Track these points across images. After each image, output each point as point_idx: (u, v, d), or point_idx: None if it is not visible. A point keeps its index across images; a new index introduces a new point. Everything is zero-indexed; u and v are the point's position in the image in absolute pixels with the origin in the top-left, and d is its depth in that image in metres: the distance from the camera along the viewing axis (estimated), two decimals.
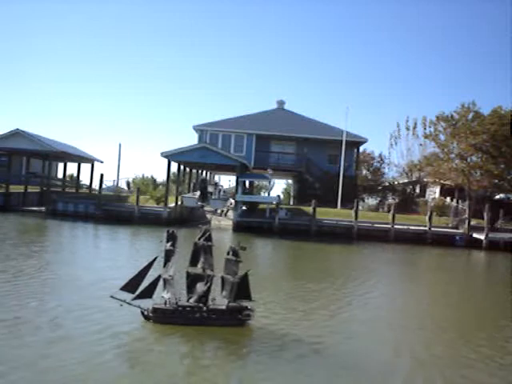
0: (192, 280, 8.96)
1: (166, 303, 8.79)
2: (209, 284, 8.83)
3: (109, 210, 31.19)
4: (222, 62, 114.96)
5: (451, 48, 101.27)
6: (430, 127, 40.41)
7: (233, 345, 8.10)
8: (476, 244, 28.05)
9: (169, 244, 8.91)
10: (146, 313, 8.75)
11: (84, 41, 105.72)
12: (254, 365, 7.35)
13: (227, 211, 36.09)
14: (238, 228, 29.09)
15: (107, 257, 17.25)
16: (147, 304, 8.78)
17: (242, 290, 8.80)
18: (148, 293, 8.62)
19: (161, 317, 8.67)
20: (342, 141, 37.43)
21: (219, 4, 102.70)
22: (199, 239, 9.09)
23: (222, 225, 32.31)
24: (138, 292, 8.58)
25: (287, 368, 7.20)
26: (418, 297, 14.02)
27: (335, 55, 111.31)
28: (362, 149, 43.78)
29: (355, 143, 40.37)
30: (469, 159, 35.51)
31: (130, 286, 8.57)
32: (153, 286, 8.71)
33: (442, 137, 37.35)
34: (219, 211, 36.15)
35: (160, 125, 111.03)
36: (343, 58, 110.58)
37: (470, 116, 35.40)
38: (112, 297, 8.60)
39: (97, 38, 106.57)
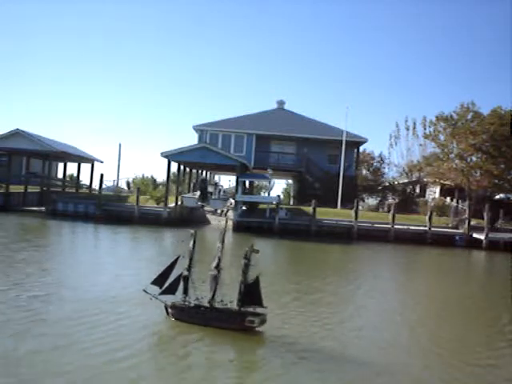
0: (210, 281, 9.11)
1: (184, 301, 9.05)
2: (214, 285, 8.91)
3: (109, 210, 31.15)
4: (222, 62, 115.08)
5: (451, 48, 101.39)
6: (429, 127, 40.53)
7: (238, 349, 8.05)
8: (476, 244, 28.04)
9: (191, 244, 9.14)
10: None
11: (84, 41, 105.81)
12: (252, 369, 7.33)
13: (227, 211, 36.06)
14: (238, 228, 29.05)
15: (120, 262, 17.24)
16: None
17: (253, 295, 8.64)
18: (171, 289, 8.97)
19: (174, 313, 8.96)
20: (341, 141, 37.42)
21: (219, 4, 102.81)
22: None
23: (223, 225, 32.25)
24: (163, 288, 8.97)
25: (291, 372, 7.17)
26: (424, 299, 14.01)
27: (335, 55, 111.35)
28: (362, 149, 43.78)
29: (355, 143, 40.36)
30: (469, 159, 35.53)
31: (159, 281, 9.02)
32: (175, 283, 9.01)
33: (442, 137, 37.39)
34: (219, 211, 36.13)
35: (160, 125, 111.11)
36: (343, 57, 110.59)
37: (470, 116, 35.44)
38: (144, 290, 9.06)
39: (97, 39, 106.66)
